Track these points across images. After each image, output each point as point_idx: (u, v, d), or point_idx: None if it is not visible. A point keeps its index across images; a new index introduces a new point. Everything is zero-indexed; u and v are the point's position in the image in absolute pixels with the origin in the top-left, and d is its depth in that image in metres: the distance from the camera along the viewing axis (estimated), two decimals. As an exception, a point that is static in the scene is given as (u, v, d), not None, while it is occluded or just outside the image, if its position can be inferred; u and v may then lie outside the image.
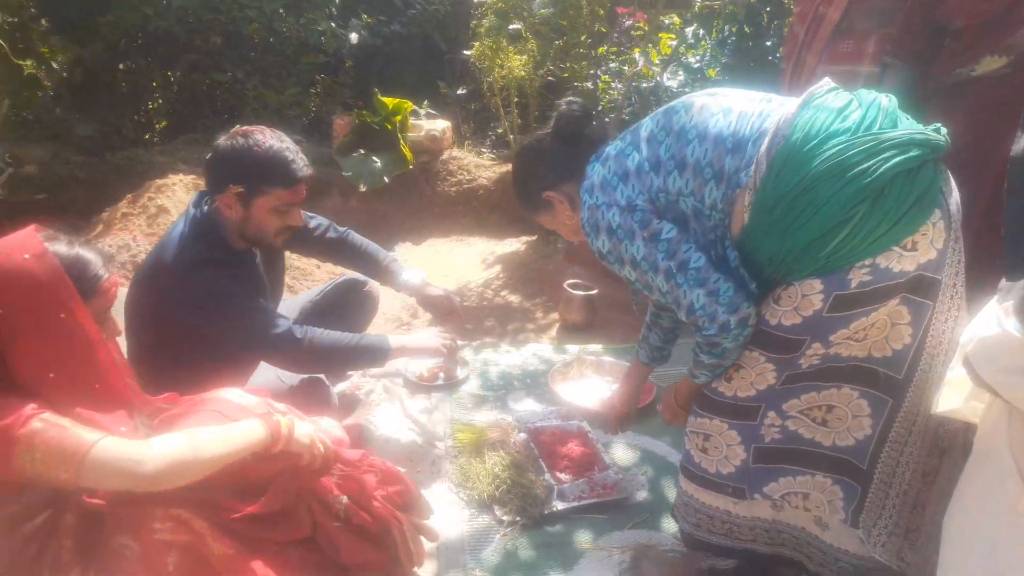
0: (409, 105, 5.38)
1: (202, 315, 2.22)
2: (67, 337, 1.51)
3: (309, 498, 1.80)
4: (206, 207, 2.32)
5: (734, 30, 4.82)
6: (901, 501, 1.66)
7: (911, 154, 1.45)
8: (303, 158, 2.29)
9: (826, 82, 1.63)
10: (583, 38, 5.20)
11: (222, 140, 2.24)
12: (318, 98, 6.35)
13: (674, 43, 5.04)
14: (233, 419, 1.74)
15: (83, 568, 1.50)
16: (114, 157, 5.03)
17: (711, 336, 1.62)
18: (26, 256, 1.46)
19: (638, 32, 5.61)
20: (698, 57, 5.14)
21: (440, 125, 5.57)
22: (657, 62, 5.24)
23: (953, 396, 1.30)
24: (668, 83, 5.16)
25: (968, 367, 1.17)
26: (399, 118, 5.29)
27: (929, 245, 1.46)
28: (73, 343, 1.53)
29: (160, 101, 5.68)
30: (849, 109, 1.54)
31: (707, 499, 1.87)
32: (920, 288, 1.50)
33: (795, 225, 1.48)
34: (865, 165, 1.44)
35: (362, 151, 5.26)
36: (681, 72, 5.17)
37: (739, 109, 1.62)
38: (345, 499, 1.86)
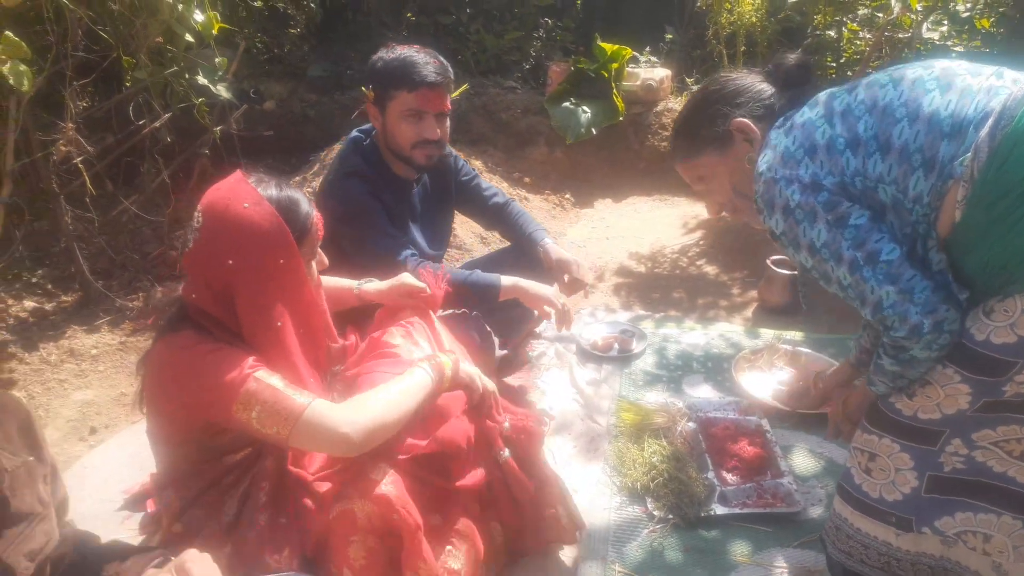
0: (628, 52, 5.12)
1: (342, 226, 2.29)
2: (285, 281, 1.57)
3: (481, 442, 1.78)
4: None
5: (1020, -28, 4.03)
6: None
7: None
8: (438, 68, 2.34)
9: None
10: (831, -21, 4.64)
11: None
12: (539, 43, 6.26)
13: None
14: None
15: (275, 514, 1.58)
16: (342, 97, 5.31)
17: (899, 339, 1.40)
18: (246, 205, 1.51)
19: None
20: (969, 4, 4.38)
21: (658, 74, 5.25)
22: (918, 8, 4.54)
23: None
24: (928, 35, 4.47)
25: None
26: (616, 66, 5.05)
27: None
28: (289, 287, 1.59)
29: (390, 42, 5.90)
30: None
31: (865, 526, 1.62)
32: None
33: (1019, 226, 1.25)
34: None
35: (573, 100, 5.11)
36: (946, 22, 4.45)
37: (961, 85, 1.35)
38: (507, 453, 1.80)
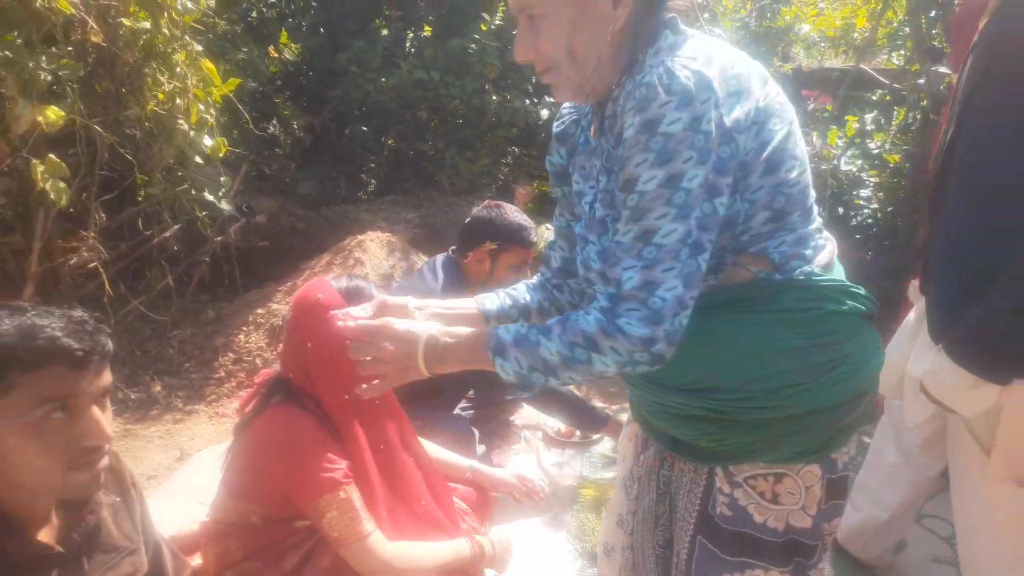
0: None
1: None
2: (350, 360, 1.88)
3: None
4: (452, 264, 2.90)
5: (918, 116, 4.73)
6: None
7: None
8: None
9: None
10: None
11: (477, 209, 2.89)
12: (507, 168, 6.88)
13: (856, 126, 5.02)
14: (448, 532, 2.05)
15: None
16: (328, 211, 5.78)
17: (624, 332, 1.10)
18: (319, 296, 1.84)
19: (824, 114, 5.62)
20: (879, 143, 5.07)
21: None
22: (838, 143, 5.23)
23: (919, 410, 1.71)
24: (846, 167, 5.13)
25: (925, 393, 1.58)
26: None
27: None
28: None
29: (372, 165, 6.46)
30: None
31: None
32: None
33: (822, 379, 1.20)
34: (877, 343, 1.33)
35: (538, 218, 5.65)
36: (860, 157, 5.12)
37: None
38: None
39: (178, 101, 3.85)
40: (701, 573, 1.31)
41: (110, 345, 1.21)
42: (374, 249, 4.49)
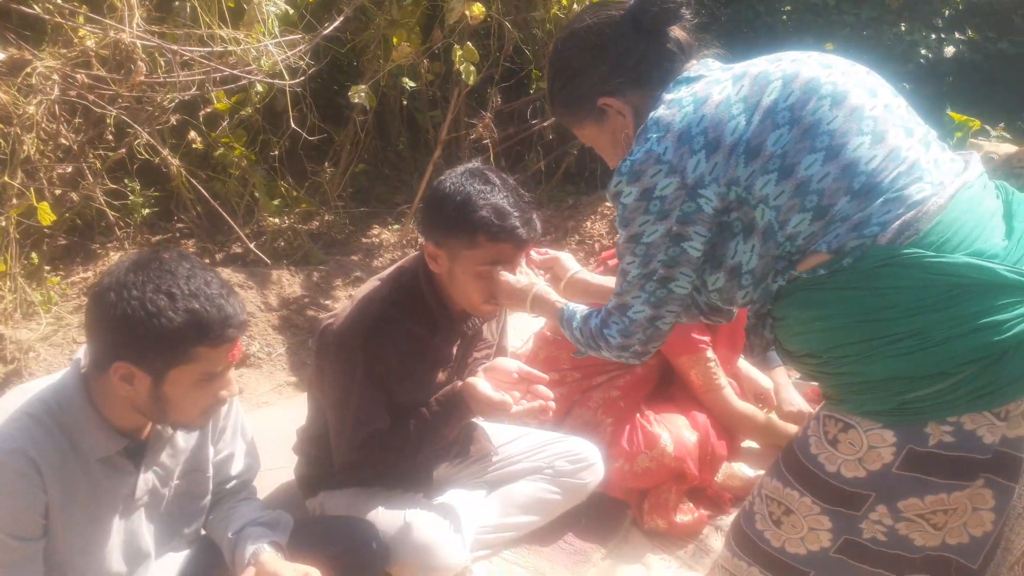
0: (976, 124, 5.20)
1: None
2: None
3: None
4: None
5: None
6: None
7: None
8: None
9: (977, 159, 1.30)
10: None
11: None
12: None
13: None
14: None
15: (618, 396, 2.34)
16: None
17: (606, 338, 1.49)
18: None
19: None
20: None
21: (1004, 150, 5.23)
22: None
23: None
24: None
25: None
26: (959, 135, 5.16)
27: (1021, 418, 1.22)
28: None
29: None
30: (997, 218, 1.26)
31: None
32: (1004, 468, 1.25)
33: (879, 352, 1.22)
34: (1002, 316, 1.16)
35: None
36: None
37: (892, 143, 1.25)
38: None
39: (575, 7, 4.39)
40: (767, 479, 1.45)
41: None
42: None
